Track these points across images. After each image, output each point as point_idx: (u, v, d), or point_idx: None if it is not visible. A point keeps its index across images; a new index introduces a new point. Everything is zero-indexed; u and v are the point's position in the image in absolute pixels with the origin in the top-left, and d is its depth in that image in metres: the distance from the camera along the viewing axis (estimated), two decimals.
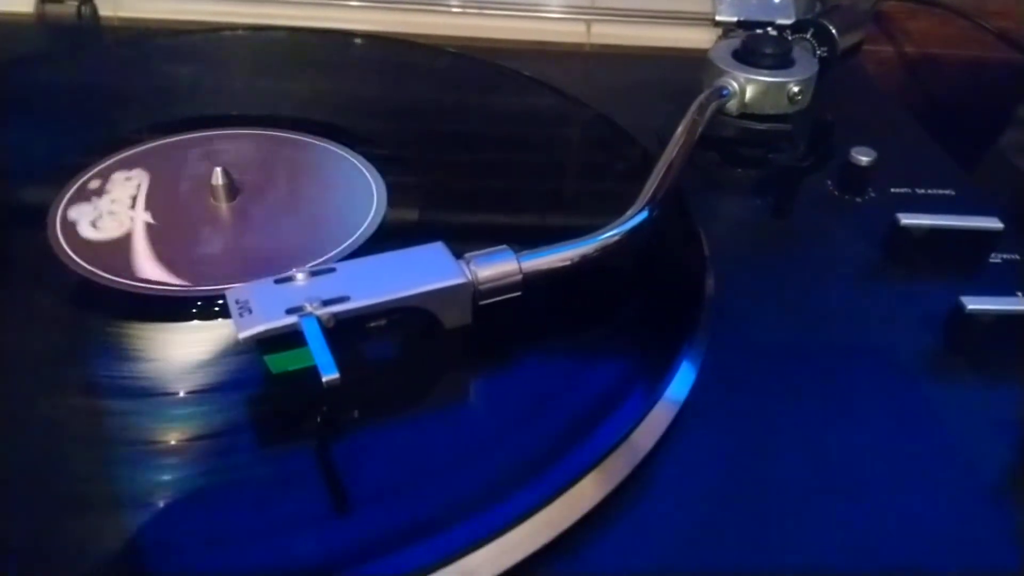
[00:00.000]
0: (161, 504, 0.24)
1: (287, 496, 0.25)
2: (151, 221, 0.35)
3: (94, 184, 0.37)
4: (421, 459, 0.27)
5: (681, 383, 0.30)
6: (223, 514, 0.24)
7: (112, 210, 0.35)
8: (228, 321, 0.30)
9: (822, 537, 0.26)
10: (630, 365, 0.31)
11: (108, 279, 0.32)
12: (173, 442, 0.26)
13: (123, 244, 0.34)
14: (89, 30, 0.55)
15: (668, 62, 0.57)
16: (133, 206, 0.36)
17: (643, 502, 0.26)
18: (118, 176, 0.38)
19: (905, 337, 0.34)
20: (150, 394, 0.28)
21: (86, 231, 0.34)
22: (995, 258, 0.38)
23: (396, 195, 0.37)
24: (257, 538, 0.24)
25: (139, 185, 0.37)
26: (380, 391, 0.29)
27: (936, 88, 0.68)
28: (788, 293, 0.36)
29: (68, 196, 0.36)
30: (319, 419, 0.27)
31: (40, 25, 0.55)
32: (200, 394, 0.28)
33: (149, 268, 0.32)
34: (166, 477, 0.25)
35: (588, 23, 0.61)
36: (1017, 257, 0.38)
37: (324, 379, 0.24)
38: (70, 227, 0.34)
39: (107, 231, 0.34)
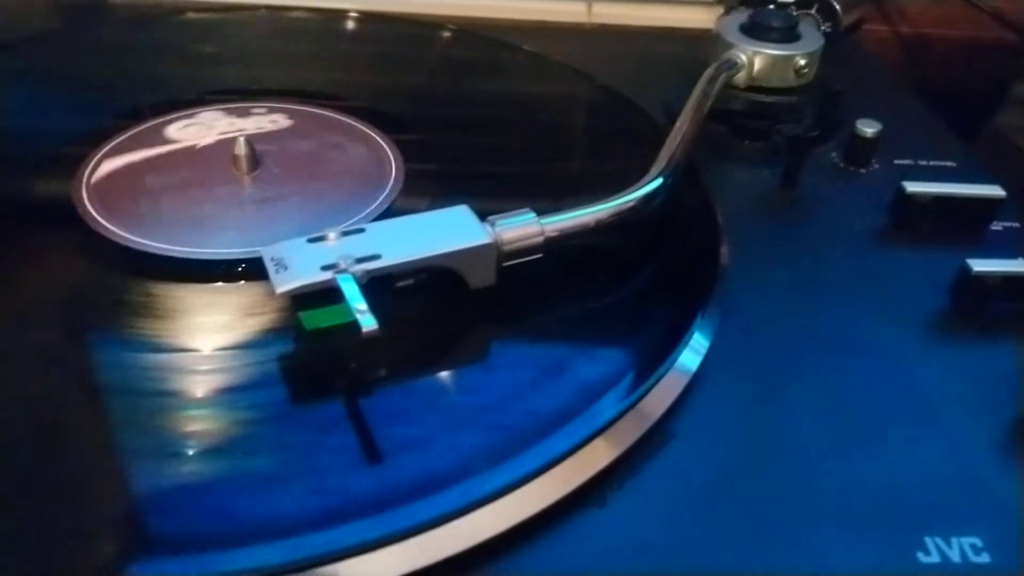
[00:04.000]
0: (189, 453, 0.25)
1: (309, 449, 0.26)
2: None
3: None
4: (439, 416, 0.27)
5: (695, 350, 0.30)
6: (244, 466, 0.25)
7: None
8: (246, 284, 0.31)
9: (835, 502, 0.27)
10: (646, 332, 0.32)
11: (136, 243, 0.33)
12: (198, 395, 0.27)
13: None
14: (98, 10, 0.55)
15: (669, 41, 0.57)
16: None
17: (651, 468, 0.27)
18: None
19: (913, 299, 0.35)
20: (177, 350, 0.29)
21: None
22: (996, 226, 0.39)
23: (412, 169, 0.38)
24: (272, 490, 0.24)
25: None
26: (404, 349, 0.30)
27: (932, 68, 0.69)
28: (798, 260, 0.37)
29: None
30: (347, 376, 0.28)
31: (50, 4, 0.55)
32: (226, 351, 0.29)
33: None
34: (193, 428, 0.26)
35: (589, 2, 0.62)
36: (1017, 225, 0.39)
37: (364, 330, 0.25)
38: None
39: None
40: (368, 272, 0.27)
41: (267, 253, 0.28)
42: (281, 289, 0.26)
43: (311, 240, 0.28)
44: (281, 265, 0.27)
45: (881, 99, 0.50)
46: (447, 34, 0.52)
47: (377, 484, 0.25)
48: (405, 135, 0.40)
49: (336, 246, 0.28)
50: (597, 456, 0.26)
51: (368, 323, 0.25)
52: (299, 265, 0.27)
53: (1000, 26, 0.64)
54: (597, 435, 0.26)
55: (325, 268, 0.27)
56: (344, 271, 0.27)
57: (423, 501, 0.24)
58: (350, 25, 0.52)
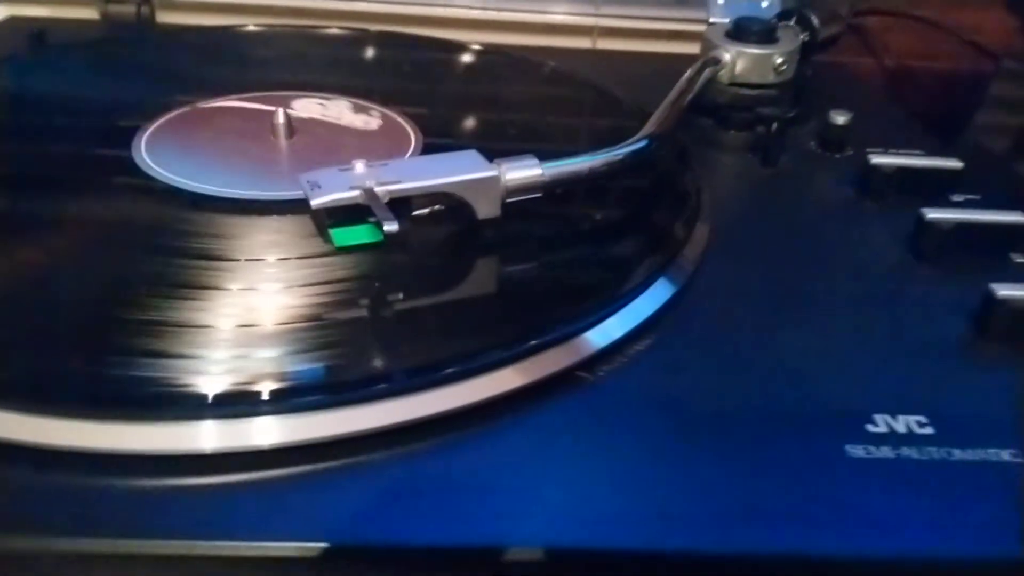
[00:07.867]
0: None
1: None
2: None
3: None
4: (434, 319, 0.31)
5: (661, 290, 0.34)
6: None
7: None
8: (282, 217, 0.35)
9: (796, 393, 0.30)
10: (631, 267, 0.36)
11: (182, 183, 0.38)
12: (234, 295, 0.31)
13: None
14: (147, 29, 0.62)
15: (665, 62, 0.62)
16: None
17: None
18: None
19: (878, 252, 0.39)
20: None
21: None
22: (958, 197, 0.43)
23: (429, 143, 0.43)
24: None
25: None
26: (418, 270, 0.34)
27: (916, 98, 0.74)
28: (774, 221, 0.41)
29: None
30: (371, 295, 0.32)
31: (103, 24, 0.61)
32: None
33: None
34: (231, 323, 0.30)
35: (594, 38, 0.68)
36: (978, 196, 0.43)
37: (385, 229, 0.29)
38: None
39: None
40: (390, 192, 0.32)
41: (303, 178, 0.32)
42: (316, 202, 0.31)
43: (341, 169, 0.33)
44: (315, 185, 0.32)
45: (859, 101, 0.54)
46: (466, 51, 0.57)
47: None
48: (422, 111, 0.46)
49: (363, 173, 0.32)
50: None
51: (390, 224, 0.29)
52: (331, 185, 0.32)
53: (977, 54, 0.69)
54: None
55: (354, 188, 0.31)
56: (370, 188, 0.31)
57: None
58: (373, 41, 0.58)
